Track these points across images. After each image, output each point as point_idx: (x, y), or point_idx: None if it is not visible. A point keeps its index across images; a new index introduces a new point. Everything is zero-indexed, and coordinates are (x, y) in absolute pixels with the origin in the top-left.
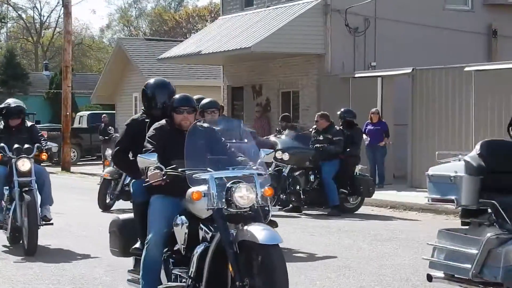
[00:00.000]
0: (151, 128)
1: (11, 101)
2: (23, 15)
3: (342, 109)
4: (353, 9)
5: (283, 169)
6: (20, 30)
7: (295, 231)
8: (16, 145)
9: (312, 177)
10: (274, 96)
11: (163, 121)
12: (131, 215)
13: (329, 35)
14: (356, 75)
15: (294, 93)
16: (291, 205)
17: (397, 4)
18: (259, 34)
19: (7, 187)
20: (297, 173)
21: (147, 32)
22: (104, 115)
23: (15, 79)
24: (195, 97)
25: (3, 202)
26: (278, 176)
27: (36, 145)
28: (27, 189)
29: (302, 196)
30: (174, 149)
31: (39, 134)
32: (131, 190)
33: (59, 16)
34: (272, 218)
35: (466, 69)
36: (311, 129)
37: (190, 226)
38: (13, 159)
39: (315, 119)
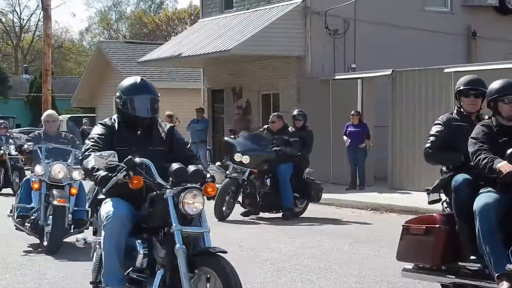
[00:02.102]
0: None
1: (138, 80)
2: (3, 19)
3: (296, 111)
4: (333, 11)
5: (244, 173)
6: (0, 34)
7: (277, 232)
8: (176, 166)
9: (268, 181)
10: (254, 99)
11: None
12: None
13: (308, 37)
14: (336, 77)
15: (274, 95)
16: (247, 209)
17: (376, 6)
18: (239, 36)
19: (144, 244)
20: (252, 176)
21: (127, 35)
22: (85, 119)
23: None
24: None
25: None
26: (237, 180)
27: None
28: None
29: (258, 200)
30: None
31: (187, 145)
32: None
33: (39, 19)
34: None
35: (446, 70)
36: (261, 129)
37: None
38: (169, 190)
39: (271, 120)
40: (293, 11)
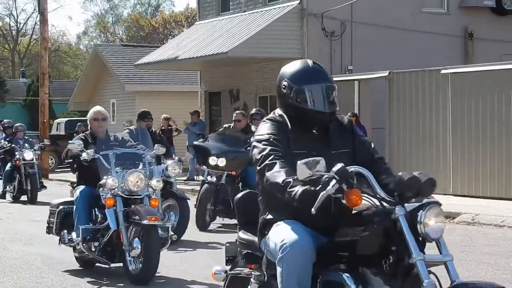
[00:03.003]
0: None
1: (310, 64)
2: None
3: (254, 109)
4: (330, 13)
5: (221, 177)
6: None
7: None
8: (407, 175)
9: (240, 185)
10: (251, 101)
11: None
12: None
13: (305, 39)
14: (333, 79)
15: (271, 97)
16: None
17: (373, 8)
18: (235, 39)
19: (357, 280)
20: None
21: (124, 38)
22: (79, 123)
23: None
24: None
25: None
26: (214, 185)
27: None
28: None
29: (232, 206)
30: None
31: (371, 145)
32: None
33: (36, 23)
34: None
35: (443, 71)
36: (221, 129)
37: None
38: (400, 207)
39: (235, 119)
40: (290, 13)
